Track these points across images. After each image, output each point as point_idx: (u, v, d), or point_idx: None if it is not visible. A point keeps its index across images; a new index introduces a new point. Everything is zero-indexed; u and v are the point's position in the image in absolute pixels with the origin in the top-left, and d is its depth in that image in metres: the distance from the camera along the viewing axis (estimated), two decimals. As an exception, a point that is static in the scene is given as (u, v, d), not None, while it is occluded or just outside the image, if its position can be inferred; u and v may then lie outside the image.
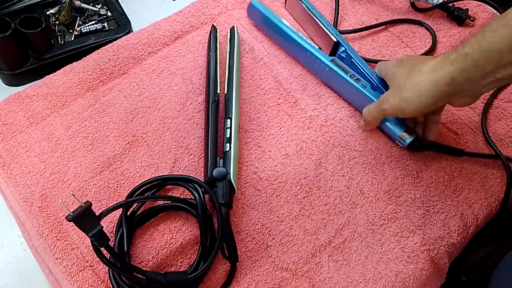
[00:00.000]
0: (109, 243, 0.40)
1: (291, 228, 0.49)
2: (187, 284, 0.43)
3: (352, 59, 0.56)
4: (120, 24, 0.64)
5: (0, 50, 0.57)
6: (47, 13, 0.63)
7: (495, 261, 0.50)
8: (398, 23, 0.65)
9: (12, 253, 0.49)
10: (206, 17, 0.64)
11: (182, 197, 0.49)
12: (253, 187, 0.51)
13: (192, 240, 0.47)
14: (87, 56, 0.59)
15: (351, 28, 0.64)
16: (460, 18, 0.64)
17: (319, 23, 0.59)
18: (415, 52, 0.62)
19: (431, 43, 0.63)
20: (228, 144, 0.50)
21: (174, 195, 0.50)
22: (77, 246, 0.46)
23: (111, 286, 0.44)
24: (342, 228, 0.49)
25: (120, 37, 0.62)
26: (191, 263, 0.46)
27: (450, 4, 0.65)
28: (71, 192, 0.39)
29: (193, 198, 0.46)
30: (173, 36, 0.62)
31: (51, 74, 0.57)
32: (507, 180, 0.53)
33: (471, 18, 0.65)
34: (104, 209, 0.42)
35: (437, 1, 0.64)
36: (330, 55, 0.58)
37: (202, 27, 0.63)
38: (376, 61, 0.59)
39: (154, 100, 0.56)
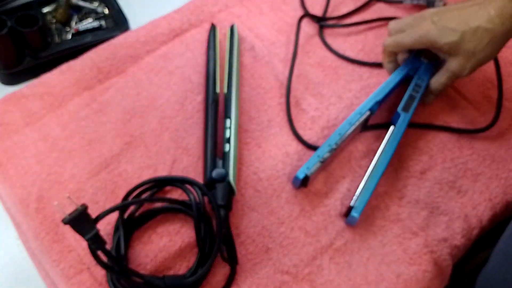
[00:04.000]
0: (106, 245, 0.40)
1: (291, 230, 0.48)
2: (186, 287, 0.43)
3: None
4: (118, 22, 0.63)
5: (-4, 49, 0.57)
6: (44, 11, 0.63)
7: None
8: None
9: (8, 255, 0.48)
10: (206, 15, 0.63)
11: (180, 199, 0.48)
12: (253, 188, 0.50)
13: (191, 242, 0.47)
14: (84, 55, 0.58)
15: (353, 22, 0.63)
16: None
17: None
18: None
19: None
20: (227, 145, 0.50)
21: (173, 196, 0.49)
22: (74, 248, 0.46)
23: (108, 290, 0.43)
24: (343, 230, 0.49)
25: (118, 35, 0.61)
26: (190, 266, 0.45)
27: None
28: (67, 195, 0.39)
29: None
30: (171, 34, 0.61)
31: (48, 73, 0.57)
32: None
33: None
34: (100, 211, 0.41)
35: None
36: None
37: (202, 25, 0.62)
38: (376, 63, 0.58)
39: (153, 100, 0.55)
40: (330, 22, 0.64)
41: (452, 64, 0.50)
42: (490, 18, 0.46)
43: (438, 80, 0.53)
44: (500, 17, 0.46)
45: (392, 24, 0.53)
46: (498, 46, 0.48)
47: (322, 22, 0.63)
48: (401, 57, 0.55)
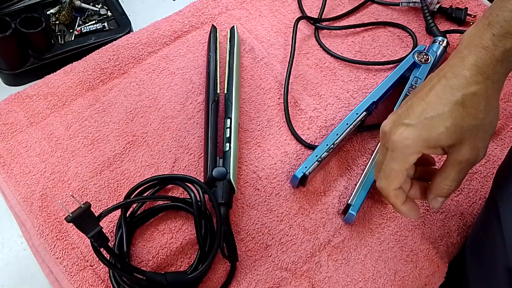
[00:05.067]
0: (109, 243, 0.40)
1: (290, 227, 0.49)
2: (187, 284, 0.43)
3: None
4: (120, 24, 0.64)
5: (0, 50, 0.57)
6: (47, 13, 0.63)
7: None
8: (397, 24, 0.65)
9: (12, 252, 0.49)
10: (206, 17, 0.64)
11: (182, 197, 0.49)
12: (253, 186, 0.51)
13: (192, 240, 0.47)
14: (87, 56, 0.59)
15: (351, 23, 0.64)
16: (459, 19, 0.64)
17: None
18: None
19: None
20: (228, 144, 0.50)
21: (174, 195, 0.50)
22: (77, 245, 0.46)
23: (111, 286, 0.44)
24: (341, 228, 0.49)
25: (120, 37, 0.62)
26: (191, 262, 0.46)
27: (447, 6, 0.65)
28: (70, 193, 0.40)
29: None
30: (173, 35, 0.62)
31: (51, 74, 0.57)
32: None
33: (472, 16, 0.65)
34: (103, 209, 0.42)
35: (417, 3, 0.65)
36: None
37: (202, 27, 0.63)
38: (376, 63, 0.59)
39: (154, 100, 0.56)
40: (326, 24, 0.64)
41: (462, 153, 0.37)
42: (470, 80, 0.35)
43: (448, 177, 0.38)
44: (481, 71, 0.35)
45: (375, 172, 0.41)
46: (497, 100, 0.37)
47: (317, 24, 0.64)
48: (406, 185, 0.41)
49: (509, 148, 0.55)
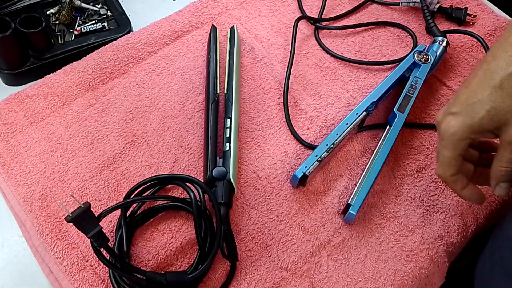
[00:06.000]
0: (109, 243, 0.40)
1: (290, 227, 0.49)
2: (187, 284, 0.43)
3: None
4: (120, 24, 0.64)
5: (0, 50, 0.57)
6: (47, 12, 0.63)
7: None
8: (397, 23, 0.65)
9: (12, 252, 0.49)
10: (206, 16, 0.64)
11: (182, 197, 0.49)
12: (253, 186, 0.51)
13: (192, 239, 0.47)
14: (87, 56, 0.59)
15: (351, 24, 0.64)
16: (459, 19, 0.64)
17: None
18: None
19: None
20: (227, 144, 0.50)
21: (174, 194, 0.50)
22: (77, 245, 0.46)
23: (111, 286, 0.44)
24: (341, 227, 0.49)
25: (120, 36, 0.62)
26: (191, 262, 0.46)
27: (447, 6, 0.65)
28: (70, 193, 0.40)
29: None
30: (173, 35, 0.62)
31: (51, 74, 0.57)
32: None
33: (472, 16, 0.65)
34: (103, 209, 0.42)
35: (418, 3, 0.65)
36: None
37: (202, 26, 0.63)
38: (376, 63, 0.59)
39: (154, 100, 0.56)
40: (326, 24, 0.64)
41: (509, 133, 0.37)
42: (508, 61, 0.36)
43: (502, 159, 0.38)
44: None
45: (436, 160, 0.42)
46: None
47: (317, 23, 0.64)
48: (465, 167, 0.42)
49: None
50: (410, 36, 0.64)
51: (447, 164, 0.40)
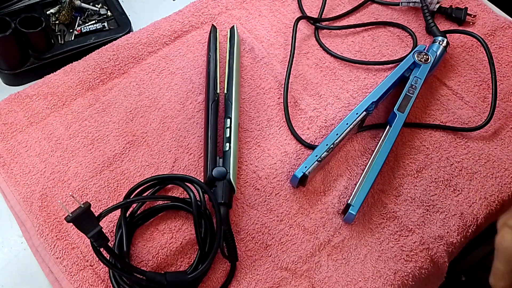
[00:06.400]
0: (109, 243, 0.40)
1: (290, 227, 0.49)
2: (187, 283, 0.43)
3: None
4: (120, 24, 0.64)
5: (0, 50, 0.57)
6: (47, 12, 0.63)
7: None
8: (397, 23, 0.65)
9: (12, 252, 0.49)
10: (206, 16, 0.64)
11: (182, 197, 0.49)
12: (253, 186, 0.51)
13: (192, 239, 0.47)
14: (87, 56, 0.59)
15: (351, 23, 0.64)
16: (459, 19, 0.64)
17: None
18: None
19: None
20: (227, 144, 0.51)
21: (174, 194, 0.50)
22: (77, 245, 0.46)
23: (111, 286, 0.44)
24: (341, 227, 0.49)
25: (120, 36, 0.62)
26: (191, 262, 0.46)
27: (447, 6, 0.65)
28: (70, 193, 0.40)
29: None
30: (173, 35, 0.62)
31: (51, 74, 0.58)
32: None
33: (472, 16, 0.65)
34: (103, 209, 0.42)
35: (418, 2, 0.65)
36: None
37: (202, 26, 0.63)
38: (376, 63, 0.59)
39: (154, 100, 0.56)
40: (326, 24, 0.64)
41: None
42: None
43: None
44: None
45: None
46: None
47: (317, 23, 0.64)
48: None
49: (509, 147, 0.55)
50: (410, 36, 0.64)
51: (498, 277, 0.38)
